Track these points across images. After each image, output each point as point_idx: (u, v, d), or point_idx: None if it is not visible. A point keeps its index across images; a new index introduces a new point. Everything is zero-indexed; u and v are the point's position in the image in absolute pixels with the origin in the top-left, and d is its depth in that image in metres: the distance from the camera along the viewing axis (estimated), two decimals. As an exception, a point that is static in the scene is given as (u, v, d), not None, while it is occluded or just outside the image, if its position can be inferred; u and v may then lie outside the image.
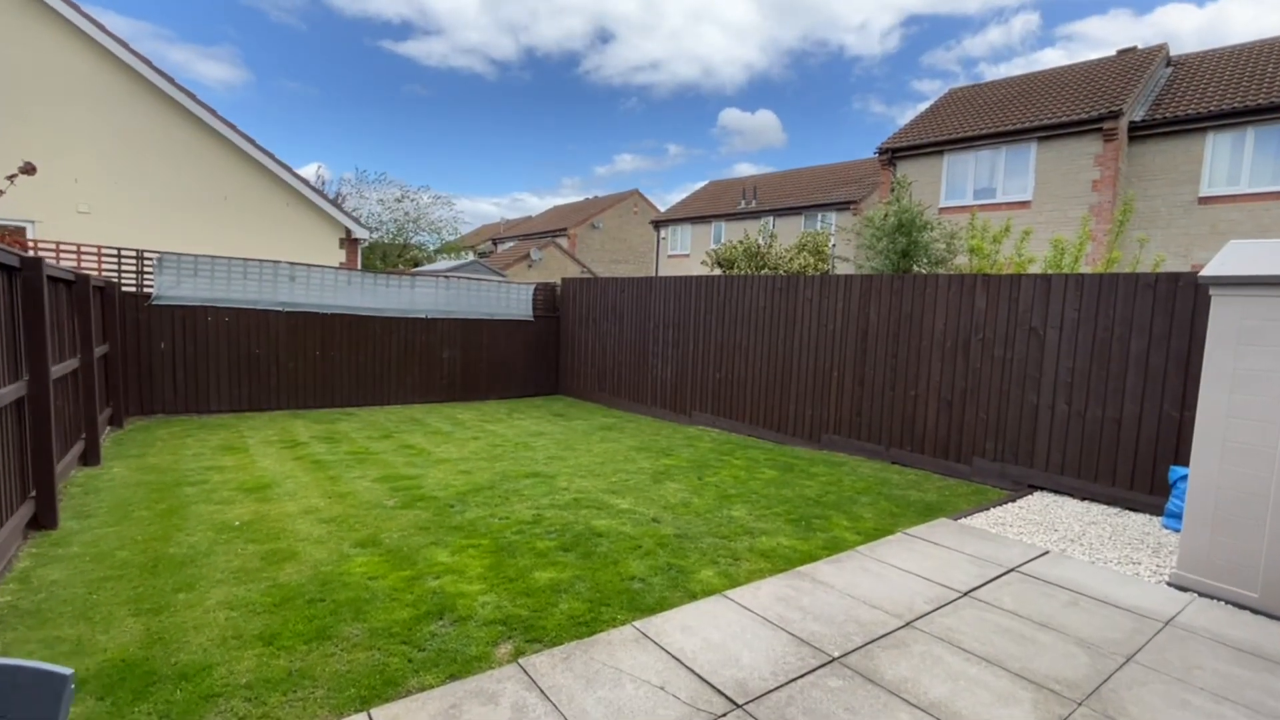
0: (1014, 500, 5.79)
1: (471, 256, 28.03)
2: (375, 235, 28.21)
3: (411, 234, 29.93)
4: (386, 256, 28.11)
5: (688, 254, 26.62)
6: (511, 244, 31.35)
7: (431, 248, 31.26)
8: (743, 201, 23.89)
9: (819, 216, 21.38)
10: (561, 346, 12.94)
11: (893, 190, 10.40)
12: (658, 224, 28.49)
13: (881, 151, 15.04)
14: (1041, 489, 6.10)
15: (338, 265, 10.39)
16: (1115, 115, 12.17)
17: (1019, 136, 13.25)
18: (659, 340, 10.41)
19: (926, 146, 14.32)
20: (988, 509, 5.50)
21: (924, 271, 9.20)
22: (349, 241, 11.96)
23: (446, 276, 11.59)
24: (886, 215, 10.50)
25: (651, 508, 5.38)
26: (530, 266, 23.81)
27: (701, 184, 34.31)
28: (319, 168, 28.57)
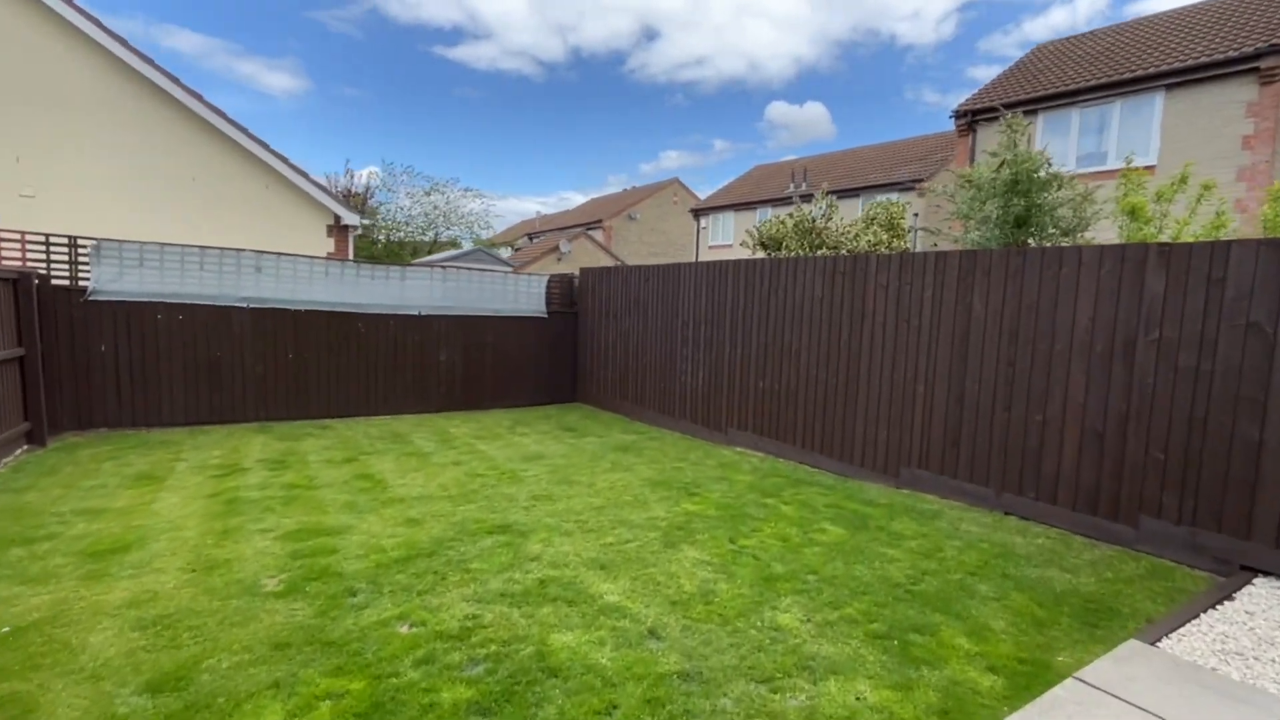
0: (1229, 596, 3.68)
1: (469, 245, 26.58)
2: (404, 232, 27.20)
3: (442, 228, 28.83)
4: (416, 252, 27.06)
5: (730, 244, 24.54)
6: (543, 238, 29.93)
7: (464, 243, 30.11)
8: (791, 185, 21.68)
9: (878, 199, 19.01)
10: (579, 347, 11.19)
11: (1005, 131, 7.98)
12: (697, 212, 26.46)
13: (958, 115, 12.71)
14: (1266, 573, 3.96)
15: (325, 255, 8.90)
16: None
17: (1138, 87, 10.76)
18: (688, 341, 8.53)
19: (1016, 106, 11.92)
20: (1196, 615, 3.43)
21: (1046, 244, 6.96)
22: (338, 229, 10.53)
23: (443, 267, 10.02)
24: (1001, 166, 7.95)
25: (652, 603, 3.53)
26: (560, 260, 22.29)
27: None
28: (370, 172, 27.74)
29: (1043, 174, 7.44)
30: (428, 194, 28.03)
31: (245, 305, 8.46)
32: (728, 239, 24.91)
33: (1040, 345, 4.96)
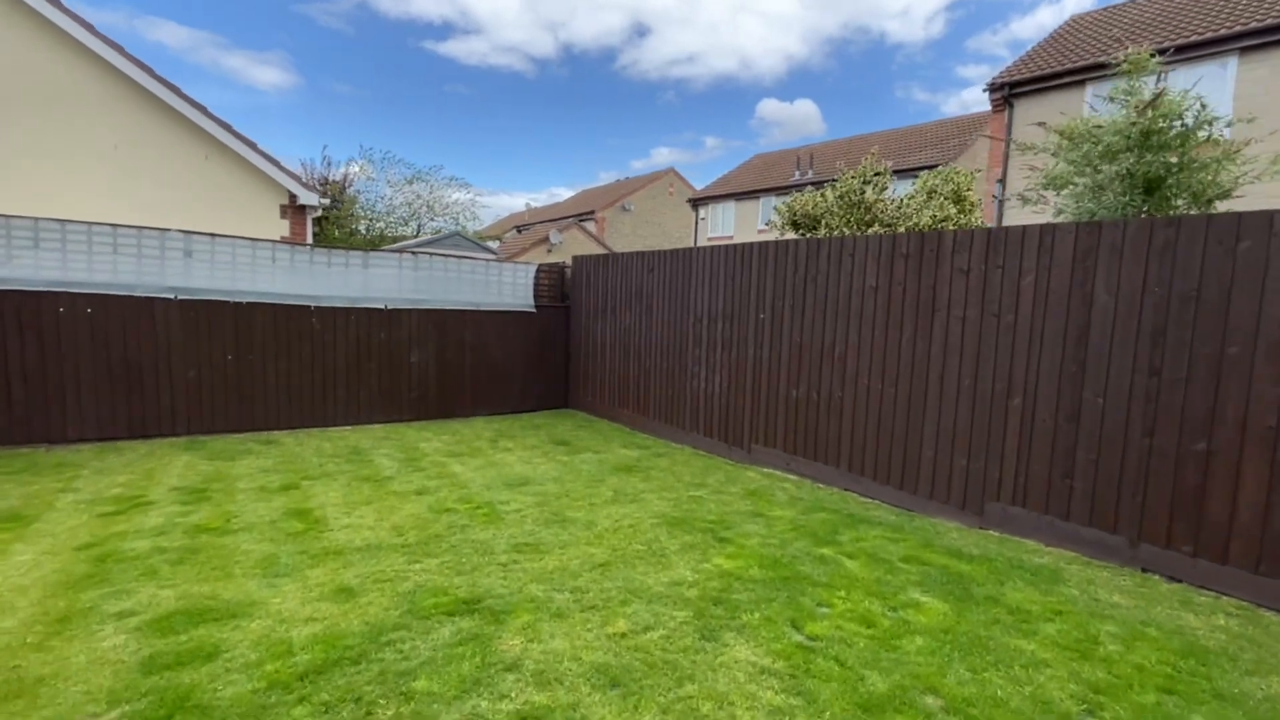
0: None
1: (447, 227, 24.95)
2: (385, 223, 25.68)
3: (425, 219, 27.32)
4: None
5: (731, 236, 23.24)
6: (532, 229, 28.50)
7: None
8: (797, 172, 20.41)
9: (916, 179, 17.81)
10: (573, 346, 9.84)
11: (1125, 71, 6.42)
12: (696, 202, 25.12)
13: (993, 88, 11.46)
14: None
15: (278, 239, 7.48)
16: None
17: (1206, 51, 9.56)
18: (702, 340, 7.21)
19: (1060, 77, 10.70)
20: None
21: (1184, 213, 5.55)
22: (294, 209, 9.10)
23: (414, 253, 8.63)
24: (1145, 108, 6.21)
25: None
26: (550, 252, 20.89)
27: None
28: (361, 166, 26.10)
29: (1187, 123, 6.04)
30: (409, 183, 26.51)
31: (172, 296, 7.05)
32: (728, 230, 23.62)
33: (1203, 348, 3.67)
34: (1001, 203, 8.71)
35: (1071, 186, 6.68)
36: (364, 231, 25.20)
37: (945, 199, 7.24)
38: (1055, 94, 10.84)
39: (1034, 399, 4.39)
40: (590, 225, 27.93)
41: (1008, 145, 11.05)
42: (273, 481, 5.75)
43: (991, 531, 4.66)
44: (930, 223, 6.91)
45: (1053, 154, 6.83)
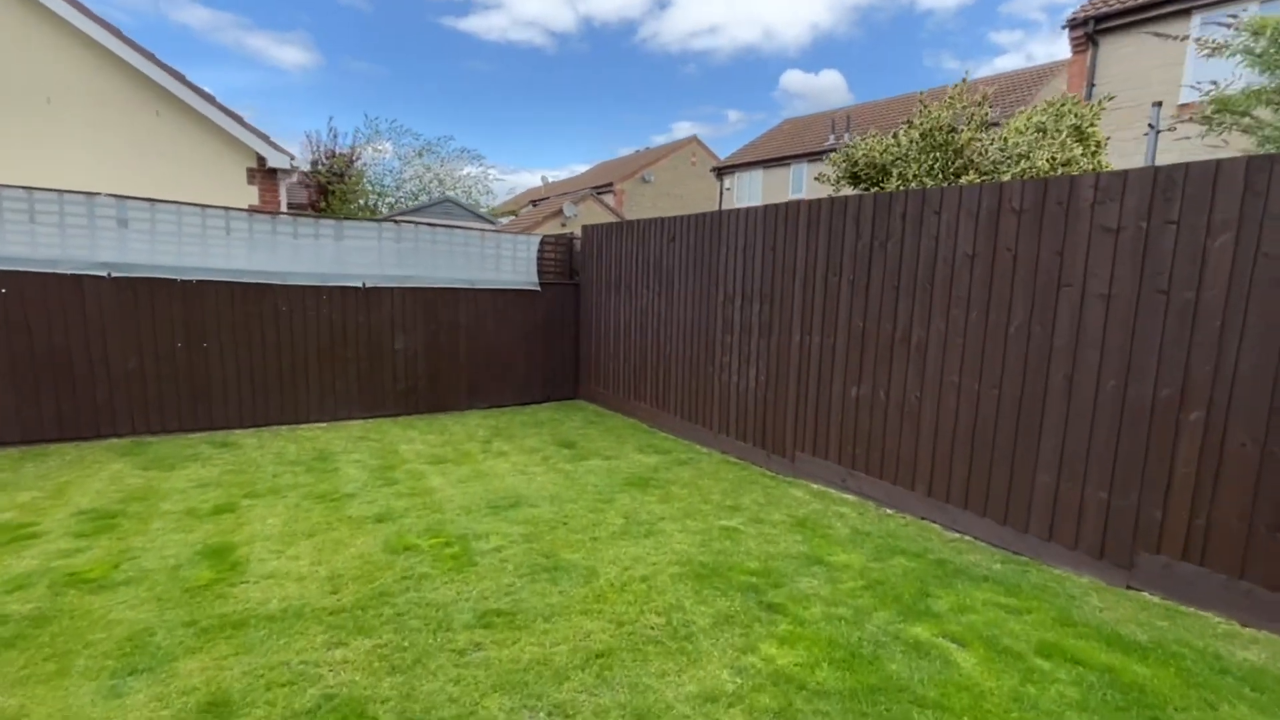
0: None
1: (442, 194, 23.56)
2: (394, 197, 24.53)
3: (436, 193, 26.10)
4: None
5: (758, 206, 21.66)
6: (547, 203, 27.18)
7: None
8: (831, 136, 18.71)
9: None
10: (582, 329, 8.62)
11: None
12: (720, 171, 23.49)
13: (1073, 24, 9.77)
14: None
15: (247, 208, 6.34)
16: None
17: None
18: (734, 323, 5.92)
19: (1160, 5, 8.98)
20: None
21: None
22: (262, 173, 7.94)
23: (396, 221, 7.44)
24: None
25: None
26: (564, 225, 19.57)
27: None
28: (378, 148, 24.92)
29: None
30: (419, 154, 25.29)
31: (104, 274, 5.96)
32: (755, 200, 22.02)
33: None
34: (1158, 134, 7.02)
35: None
36: (372, 206, 24.13)
37: (1066, 136, 5.65)
38: (1151, 26, 9.12)
39: (1224, 413, 3.04)
40: (609, 198, 26.49)
41: (1089, 93, 9.42)
42: (206, 501, 4.67)
43: (1148, 595, 3.35)
44: (1047, 167, 5.42)
45: (1254, 56, 4.99)
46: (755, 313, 5.70)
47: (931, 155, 5.64)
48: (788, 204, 5.36)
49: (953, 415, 4.19)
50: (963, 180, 5.28)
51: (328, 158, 24.15)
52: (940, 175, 5.61)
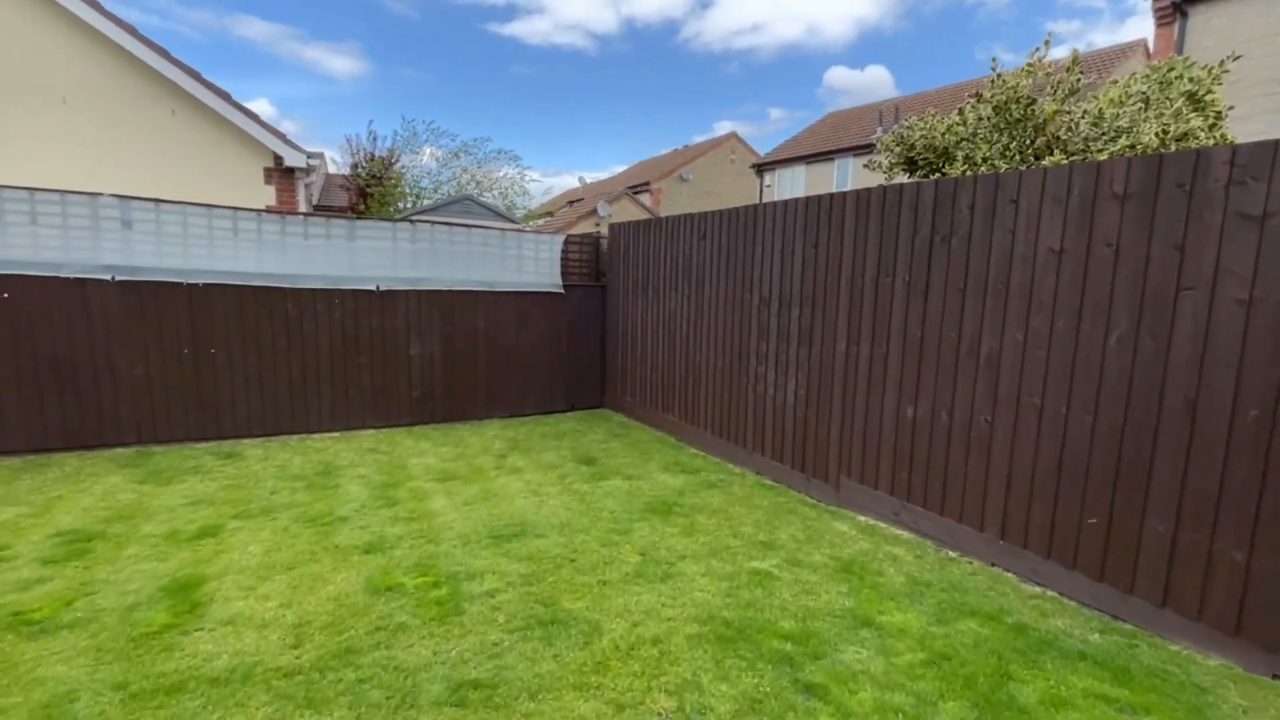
0: None
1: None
2: (430, 200, 24.57)
3: (474, 195, 26.05)
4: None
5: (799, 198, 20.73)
6: (582, 203, 26.82)
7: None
8: (879, 129, 17.72)
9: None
10: (608, 334, 8.11)
11: None
12: (760, 168, 22.68)
13: (1159, -8, 8.72)
14: None
15: (263, 208, 6.07)
16: None
17: None
18: (770, 330, 5.30)
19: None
20: None
21: None
22: (280, 172, 7.69)
23: (412, 221, 7.07)
24: None
25: None
26: (598, 225, 19.14)
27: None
28: (430, 153, 25.19)
29: None
30: (455, 156, 25.25)
31: (108, 278, 5.73)
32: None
33: None
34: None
35: None
36: (410, 208, 24.21)
37: (1180, 103, 4.67)
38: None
39: None
40: (645, 198, 25.96)
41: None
42: (193, 522, 4.33)
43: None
44: (1156, 142, 4.53)
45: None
46: (795, 318, 5.06)
47: (1006, 134, 4.80)
48: (833, 195, 4.71)
49: (1032, 443, 3.48)
50: (1045, 162, 4.49)
51: (367, 160, 24.39)
52: (1017, 157, 4.79)
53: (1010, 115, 4.75)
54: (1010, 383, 3.58)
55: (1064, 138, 4.38)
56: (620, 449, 6.42)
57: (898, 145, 5.65)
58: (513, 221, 11.63)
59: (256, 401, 6.42)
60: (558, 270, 7.82)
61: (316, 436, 6.62)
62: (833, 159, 19.69)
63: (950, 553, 3.95)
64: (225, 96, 7.28)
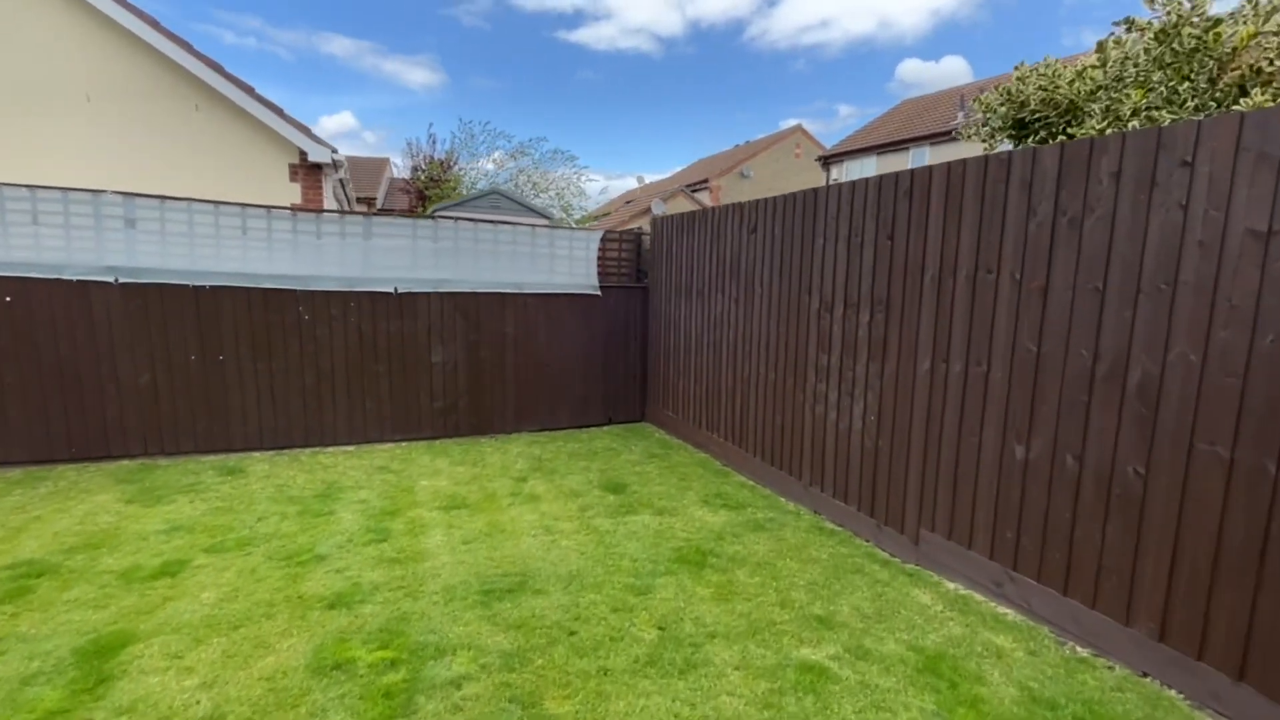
0: None
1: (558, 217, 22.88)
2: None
3: (530, 196, 25.86)
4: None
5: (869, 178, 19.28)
6: (638, 202, 26.12)
7: (553, 214, 27.00)
8: (961, 114, 16.11)
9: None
10: (650, 339, 7.31)
11: None
12: (827, 160, 21.30)
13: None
14: None
15: (289, 207, 5.67)
16: None
17: None
18: (832, 340, 4.35)
19: None
20: None
21: None
22: (305, 169, 7.31)
23: (434, 218, 6.50)
24: None
25: None
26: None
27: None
28: (494, 159, 25.43)
29: None
30: (512, 157, 25.10)
31: (112, 280, 5.40)
32: (866, 193, 19.67)
33: None
34: None
35: None
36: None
37: None
38: None
39: None
40: (704, 195, 25.00)
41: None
42: (160, 555, 3.83)
43: None
44: None
45: None
46: (863, 325, 4.10)
47: (1173, 70, 3.60)
48: (914, 171, 3.73)
49: (1215, 509, 2.43)
50: (1240, 106, 3.32)
51: (425, 163, 24.58)
52: (1190, 103, 3.59)
53: (1181, 44, 3.54)
54: (1178, 421, 2.53)
55: (1268, 70, 3.18)
56: (656, 474, 5.60)
57: (1003, 104, 4.49)
58: (546, 217, 10.98)
59: (268, 412, 5.98)
60: (594, 270, 7.07)
61: (330, 451, 6.14)
62: (907, 149, 18.13)
63: (1079, 649, 2.90)
64: (249, 90, 6.95)
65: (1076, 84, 3.76)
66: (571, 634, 3.01)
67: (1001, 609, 3.26)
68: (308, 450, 6.10)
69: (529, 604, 3.29)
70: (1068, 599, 2.94)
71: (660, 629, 3.07)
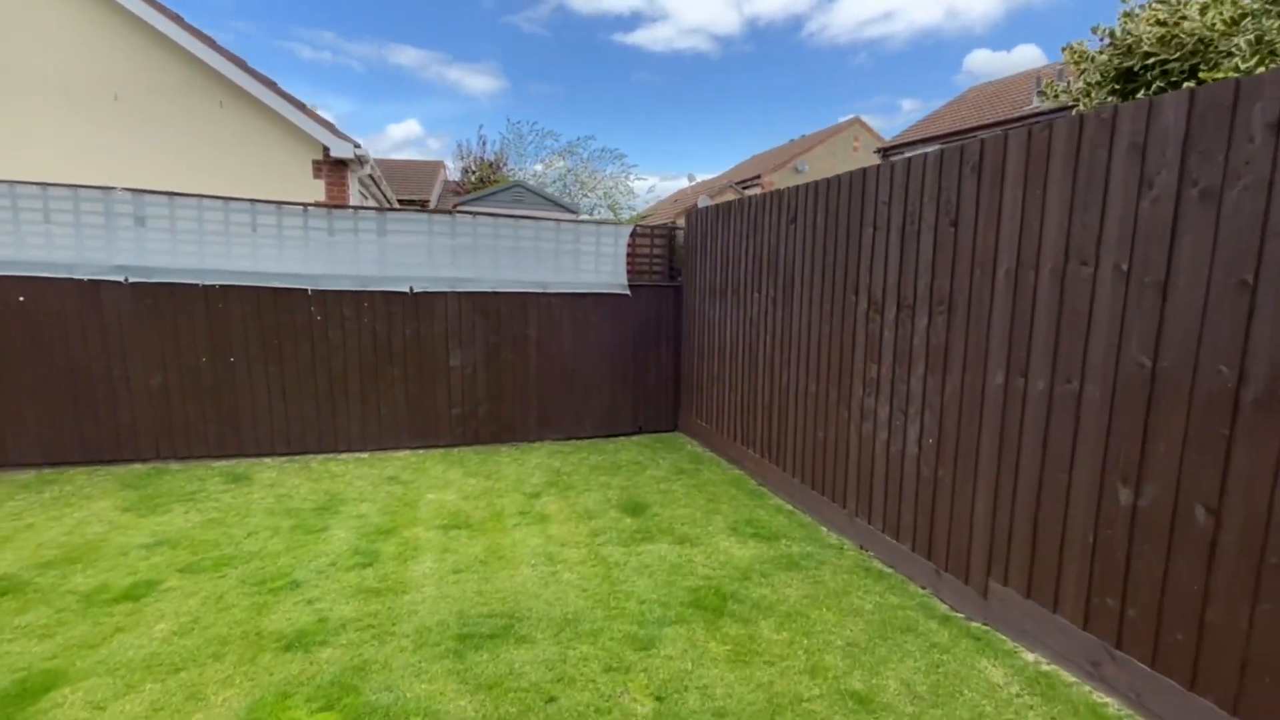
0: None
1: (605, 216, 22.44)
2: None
3: (578, 195, 25.65)
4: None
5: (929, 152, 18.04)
6: (685, 199, 25.46)
7: (601, 213, 26.72)
8: (1036, 98, 14.78)
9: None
10: (684, 343, 6.74)
11: None
12: (887, 152, 20.09)
13: None
14: None
15: (311, 204, 5.46)
16: None
17: None
18: (883, 345, 3.70)
19: None
20: None
21: None
22: (329, 164, 7.11)
23: (452, 213, 6.13)
24: None
25: None
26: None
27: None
28: (548, 162, 25.58)
29: None
30: (560, 157, 24.96)
31: (121, 279, 5.26)
32: (929, 186, 18.41)
33: None
34: None
35: None
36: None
37: None
38: None
39: None
40: (755, 192, 24.14)
41: None
42: (134, 573, 3.58)
43: None
44: None
45: None
46: (920, 331, 3.42)
47: None
48: (983, 140, 3.05)
49: None
50: None
51: (475, 165, 24.75)
52: None
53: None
54: (1374, 470, 1.79)
55: None
56: (681, 493, 5.03)
57: (1105, 52, 3.62)
58: (571, 212, 10.53)
59: (280, 416, 5.75)
60: (622, 267, 6.57)
61: (344, 457, 5.86)
62: (975, 137, 16.81)
63: (1213, 764, 2.18)
64: (271, 85, 6.79)
65: (1211, 13, 2.93)
66: (550, 700, 2.50)
67: (1099, 696, 2.54)
68: (320, 457, 5.84)
69: (509, 656, 2.80)
70: (1197, 697, 2.21)
71: (658, 699, 2.52)
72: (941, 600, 3.32)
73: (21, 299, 5.09)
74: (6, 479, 5.05)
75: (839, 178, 4.09)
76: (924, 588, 3.44)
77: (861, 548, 3.97)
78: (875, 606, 3.28)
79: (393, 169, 21.56)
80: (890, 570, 3.69)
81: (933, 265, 3.33)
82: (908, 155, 3.56)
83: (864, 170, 3.88)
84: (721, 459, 5.91)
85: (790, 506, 4.73)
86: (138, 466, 5.43)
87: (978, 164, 3.05)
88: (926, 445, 3.41)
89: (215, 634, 2.97)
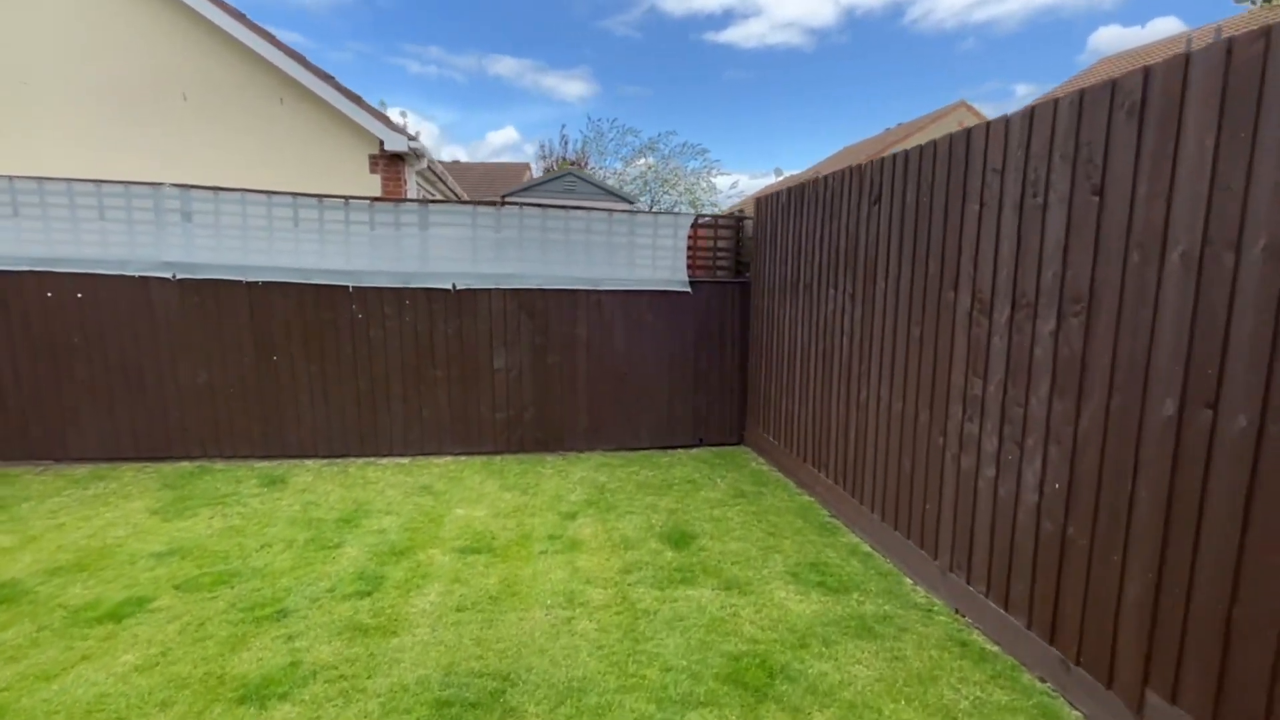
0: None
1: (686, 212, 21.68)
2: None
3: (659, 193, 25.12)
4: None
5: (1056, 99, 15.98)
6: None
7: (682, 209, 26.05)
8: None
9: None
10: (751, 346, 6.00)
11: None
12: (998, 137, 18.09)
13: None
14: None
15: (369, 199, 5.29)
16: None
17: None
18: (989, 355, 2.83)
19: None
20: None
21: None
22: (385, 159, 6.91)
23: (498, 204, 5.72)
24: None
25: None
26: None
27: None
28: (646, 163, 25.51)
29: None
30: (641, 154, 24.51)
31: (169, 275, 5.22)
32: (1048, 172, 16.32)
33: None
34: None
35: None
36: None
37: None
38: None
39: None
40: (846, 184, 22.58)
41: None
42: (132, 587, 3.38)
43: None
44: None
45: None
46: (1044, 337, 2.55)
47: None
48: (1147, 69, 2.16)
49: None
50: None
51: (556, 164, 24.80)
52: None
53: None
54: None
55: None
56: (737, 521, 4.33)
57: None
58: (629, 202, 9.89)
59: (322, 418, 5.56)
60: (682, 262, 5.92)
61: (384, 462, 5.59)
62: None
63: None
64: (329, 79, 6.69)
65: None
66: (521, 817, 1.91)
67: None
68: (360, 461, 5.60)
69: (487, 741, 2.25)
70: None
71: (661, 832, 1.87)
72: (1073, 705, 2.45)
73: (79, 295, 5.14)
74: (64, 473, 5.12)
75: (934, 143, 3.25)
76: (1045, 681, 2.57)
77: (957, 612, 3.11)
78: (973, 704, 2.46)
79: (484, 172, 21.89)
80: (995, 649, 2.83)
81: (1064, 250, 2.46)
82: (1030, 105, 2.68)
83: (967, 131, 3.02)
84: (790, 481, 5.13)
85: (868, 548, 3.91)
86: (185, 465, 5.39)
87: (1139, 103, 2.16)
88: (1051, 491, 2.54)
89: (176, 673, 2.62)
